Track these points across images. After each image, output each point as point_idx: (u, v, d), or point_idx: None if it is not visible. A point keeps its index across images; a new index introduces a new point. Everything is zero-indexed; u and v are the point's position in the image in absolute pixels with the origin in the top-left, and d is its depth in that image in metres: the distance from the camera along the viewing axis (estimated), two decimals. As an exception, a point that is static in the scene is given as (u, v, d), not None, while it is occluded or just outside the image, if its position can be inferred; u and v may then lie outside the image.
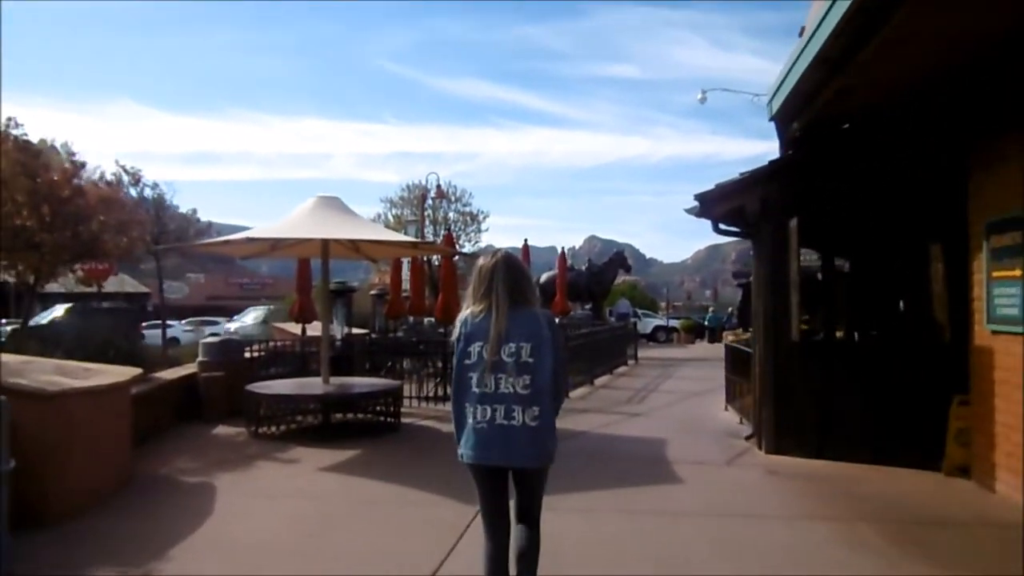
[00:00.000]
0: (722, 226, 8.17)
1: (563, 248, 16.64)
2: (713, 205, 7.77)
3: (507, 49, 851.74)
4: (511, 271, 3.04)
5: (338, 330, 11.51)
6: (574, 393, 12.23)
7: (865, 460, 6.62)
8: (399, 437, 8.54)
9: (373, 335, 17.17)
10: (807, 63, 5.43)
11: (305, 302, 13.48)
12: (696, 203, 7.84)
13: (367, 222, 8.78)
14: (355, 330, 18.30)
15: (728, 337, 29.35)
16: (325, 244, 8.85)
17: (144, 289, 38.71)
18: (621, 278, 38.49)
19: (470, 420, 2.98)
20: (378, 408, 9.12)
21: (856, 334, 6.81)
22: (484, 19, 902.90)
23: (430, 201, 27.82)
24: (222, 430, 8.66)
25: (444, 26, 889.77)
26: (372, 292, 18.04)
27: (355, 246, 9.65)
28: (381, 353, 13.50)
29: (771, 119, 6.78)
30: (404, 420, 9.35)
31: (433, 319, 15.65)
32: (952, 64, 5.27)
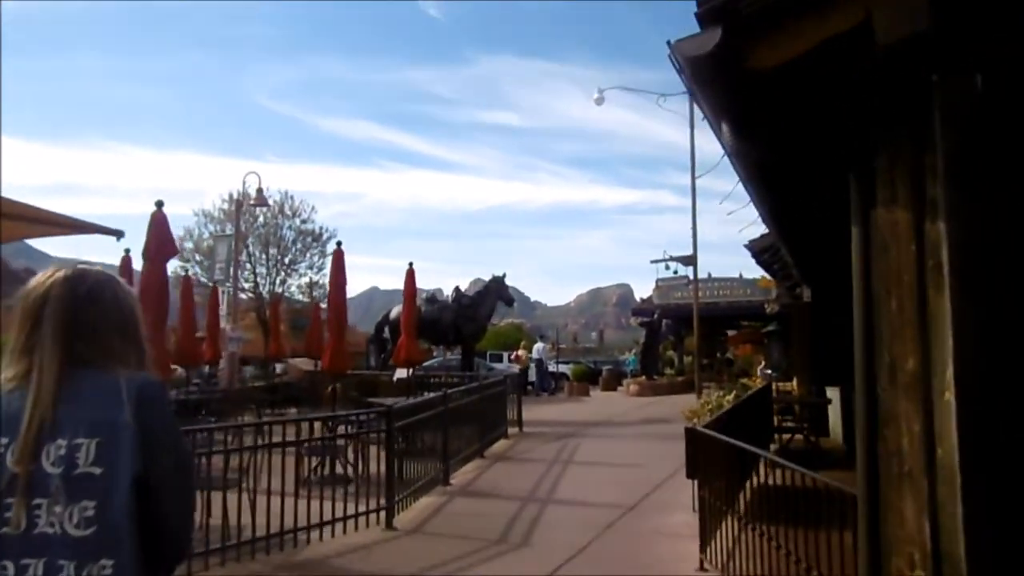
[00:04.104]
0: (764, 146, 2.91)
1: (411, 264, 11.07)
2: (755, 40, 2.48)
3: (391, 91, 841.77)
4: (76, 302, 1.43)
5: None
6: (406, 516, 6.56)
7: None
8: None
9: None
10: None
11: None
12: (703, 41, 2.53)
13: None
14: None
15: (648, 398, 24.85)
16: None
17: None
18: (500, 318, 33.19)
19: None
20: None
21: None
22: (367, 61, 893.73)
23: (258, 213, 21.51)
24: None
25: (325, 65, 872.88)
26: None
27: None
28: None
29: None
30: None
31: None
32: None
